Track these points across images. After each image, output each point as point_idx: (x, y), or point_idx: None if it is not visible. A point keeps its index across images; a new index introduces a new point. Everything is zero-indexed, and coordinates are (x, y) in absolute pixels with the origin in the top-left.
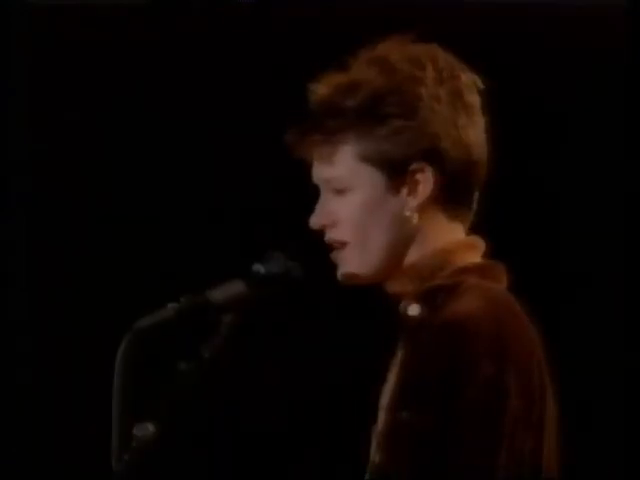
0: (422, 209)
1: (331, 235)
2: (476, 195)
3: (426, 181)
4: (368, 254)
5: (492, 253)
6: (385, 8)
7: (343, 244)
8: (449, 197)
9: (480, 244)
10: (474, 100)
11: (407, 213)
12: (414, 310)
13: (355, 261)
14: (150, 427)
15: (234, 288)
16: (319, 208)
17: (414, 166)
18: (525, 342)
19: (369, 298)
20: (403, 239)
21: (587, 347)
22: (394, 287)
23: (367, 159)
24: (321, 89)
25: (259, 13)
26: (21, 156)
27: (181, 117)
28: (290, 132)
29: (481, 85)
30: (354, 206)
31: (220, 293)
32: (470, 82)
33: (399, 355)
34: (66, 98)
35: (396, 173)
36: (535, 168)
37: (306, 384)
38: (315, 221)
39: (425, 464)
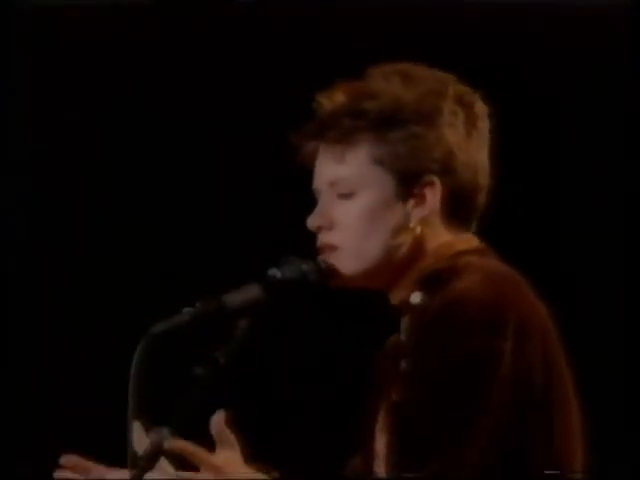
0: (426, 223)
1: (326, 238)
2: (474, 222)
3: (434, 195)
4: (362, 260)
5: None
6: (385, 8)
7: (335, 248)
8: (453, 216)
9: (474, 239)
10: (485, 128)
11: (411, 224)
12: (416, 298)
13: (347, 265)
14: (165, 432)
15: (250, 293)
16: (318, 209)
17: (425, 178)
18: (529, 314)
19: (386, 302)
20: (403, 249)
21: (587, 348)
22: (399, 295)
23: (380, 162)
24: (336, 95)
25: (258, 13)
26: (21, 156)
27: (181, 117)
28: (301, 130)
29: (489, 118)
30: (357, 210)
31: (236, 298)
32: (482, 111)
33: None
34: (66, 98)
35: (407, 181)
36: (535, 168)
37: (322, 388)
38: (313, 222)
39: (418, 439)
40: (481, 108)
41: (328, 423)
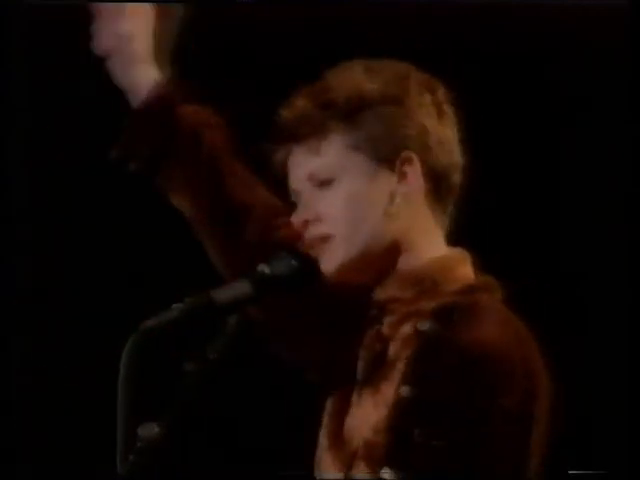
0: (410, 204)
1: (315, 231)
2: (451, 204)
3: (415, 171)
4: (354, 245)
5: (487, 261)
6: (385, 8)
7: (327, 238)
8: (434, 199)
9: (467, 256)
10: (451, 113)
11: (397, 201)
12: (424, 326)
13: (340, 253)
14: (155, 427)
15: (239, 288)
16: (302, 205)
17: (403, 155)
18: (540, 366)
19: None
20: (390, 236)
21: (588, 359)
22: (387, 292)
23: (356, 147)
24: (299, 100)
25: (259, 13)
26: (21, 157)
27: None
28: (273, 133)
29: (453, 101)
30: (341, 197)
31: (225, 293)
32: (446, 97)
33: (399, 366)
34: (66, 98)
35: (385, 161)
36: (536, 168)
37: (311, 385)
38: (299, 216)
39: None
40: (444, 94)
41: (316, 418)
